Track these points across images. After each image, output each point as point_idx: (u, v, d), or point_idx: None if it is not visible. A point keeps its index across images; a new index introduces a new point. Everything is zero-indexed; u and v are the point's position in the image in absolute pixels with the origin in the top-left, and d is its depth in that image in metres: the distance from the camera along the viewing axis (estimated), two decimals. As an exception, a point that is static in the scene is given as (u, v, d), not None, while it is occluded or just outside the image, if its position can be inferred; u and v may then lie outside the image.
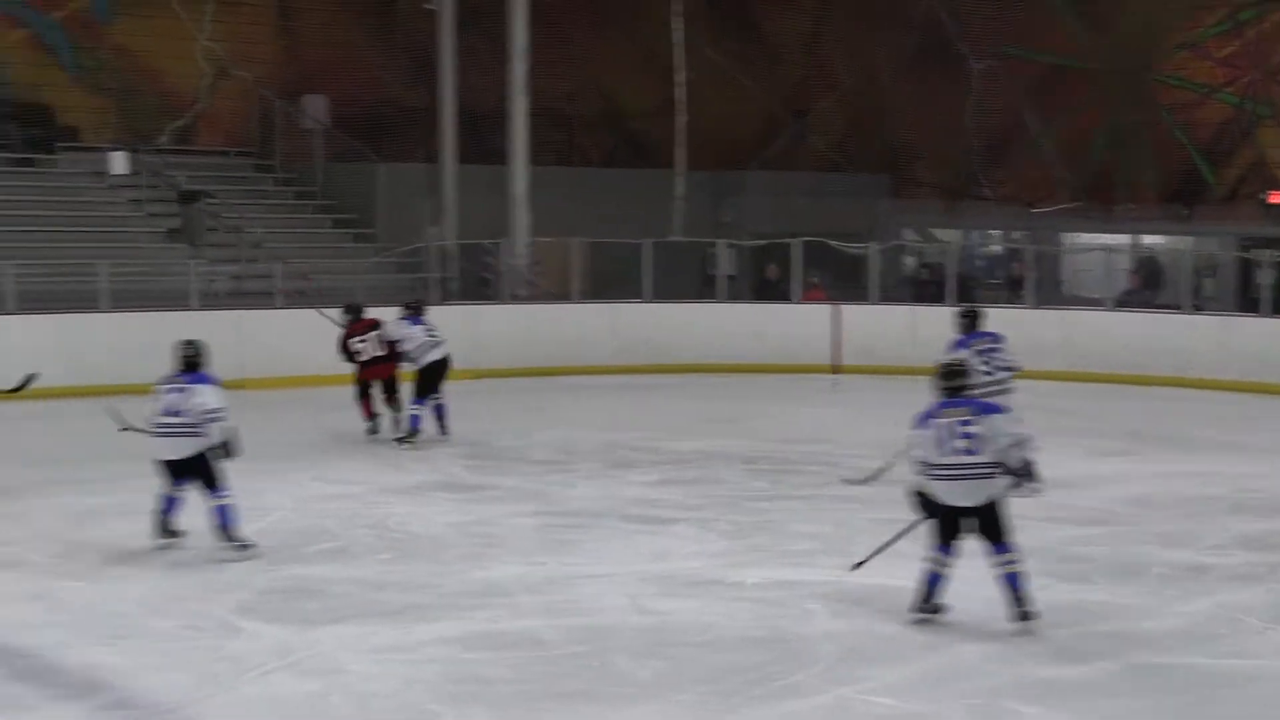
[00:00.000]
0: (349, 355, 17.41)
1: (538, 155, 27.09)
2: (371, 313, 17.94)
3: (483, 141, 27.87)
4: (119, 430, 12.09)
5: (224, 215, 26.02)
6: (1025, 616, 9.09)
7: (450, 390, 17.23)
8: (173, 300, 21.66)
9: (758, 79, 31.67)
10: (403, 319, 17.60)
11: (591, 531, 12.02)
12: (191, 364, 11.95)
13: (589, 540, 11.71)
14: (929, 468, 9.22)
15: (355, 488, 13.96)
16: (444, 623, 9.30)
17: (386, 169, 27.46)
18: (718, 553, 11.38)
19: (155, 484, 14.10)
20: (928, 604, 9.23)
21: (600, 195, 28.58)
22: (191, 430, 11.40)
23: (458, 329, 20.04)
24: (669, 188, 28.56)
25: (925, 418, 9.36)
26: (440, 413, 17.07)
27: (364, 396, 17.38)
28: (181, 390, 11.60)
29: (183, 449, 11.40)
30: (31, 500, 13.26)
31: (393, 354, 17.27)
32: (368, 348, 17.30)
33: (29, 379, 15.43)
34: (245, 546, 11.09)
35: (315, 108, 28.69)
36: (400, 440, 16.62)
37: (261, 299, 23.54)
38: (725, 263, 26.32)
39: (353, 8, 29.74)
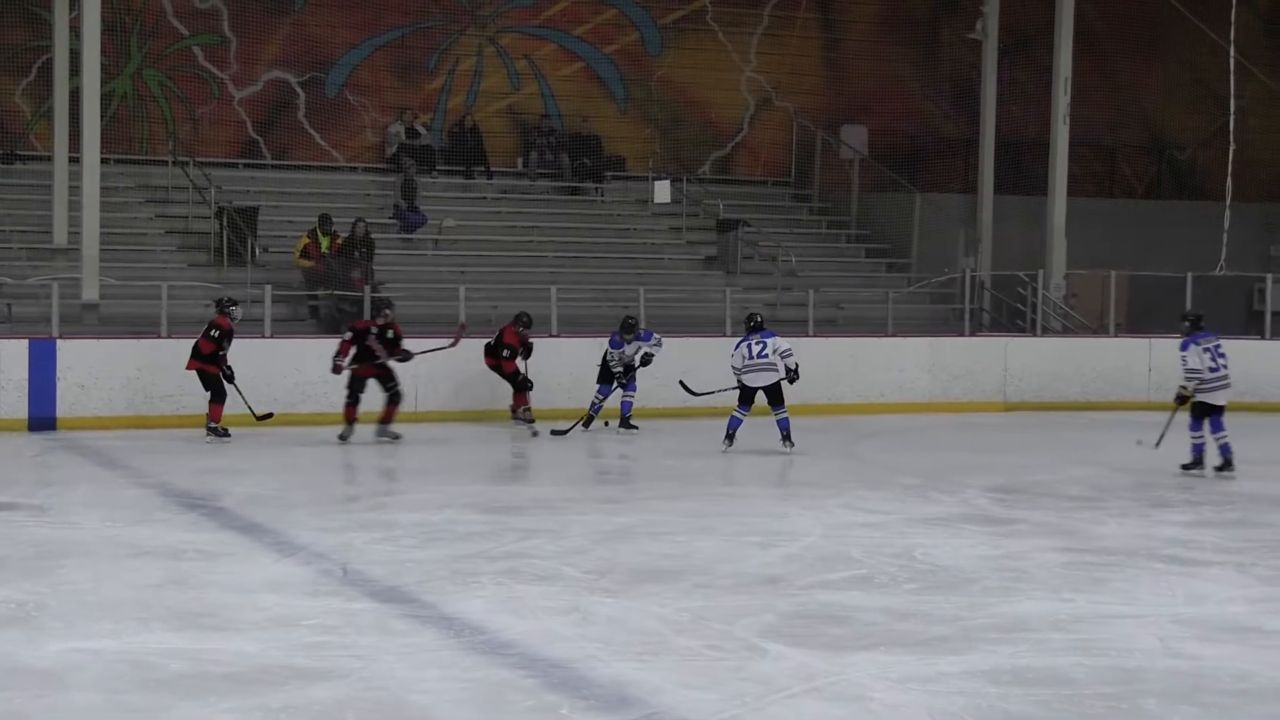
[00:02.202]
0: None
1: (1077, 185, 26.60)
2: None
3: (1021, 172, 27.53)
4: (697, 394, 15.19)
5: (760, 244, 26.41)
6: None
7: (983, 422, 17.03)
8: (709, 326, 22.06)
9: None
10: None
11: (1123, 570, 11.62)
12: (759, 325, 18.29)
13: (1119, 579, 11.32)
14: None
15: (882, 517, 13.89)
16: (970, 655, 9.12)
17: (923, 199, 27.37)
18: (1257, 598, 10.84)
19: (682, 506, 14.48)
20: None
21: (1141, 227, 27.86)
22: (771, 366, 17.83)
23: (990, 361, 19.85)
24: (1214, 219, 27.51)
25: None
26: None
27: None
28: (763, 341, 17.83)
29: (767, 379, 17.76)
30: (568, 516, 13.65)
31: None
32: None
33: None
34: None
35: (854, 137, 28.87)
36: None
37: (795, 326, 23.77)
38: (1273, 298, 25.24)
39: (899, 38, 29.78)
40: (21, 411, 19.13)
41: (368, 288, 21.74)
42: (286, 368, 20.36)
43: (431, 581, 10.93)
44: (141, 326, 20.56)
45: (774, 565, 11.66)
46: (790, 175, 29.27)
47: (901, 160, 28.64)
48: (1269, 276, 25.81)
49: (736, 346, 18.21)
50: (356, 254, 22.70)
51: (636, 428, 19.95)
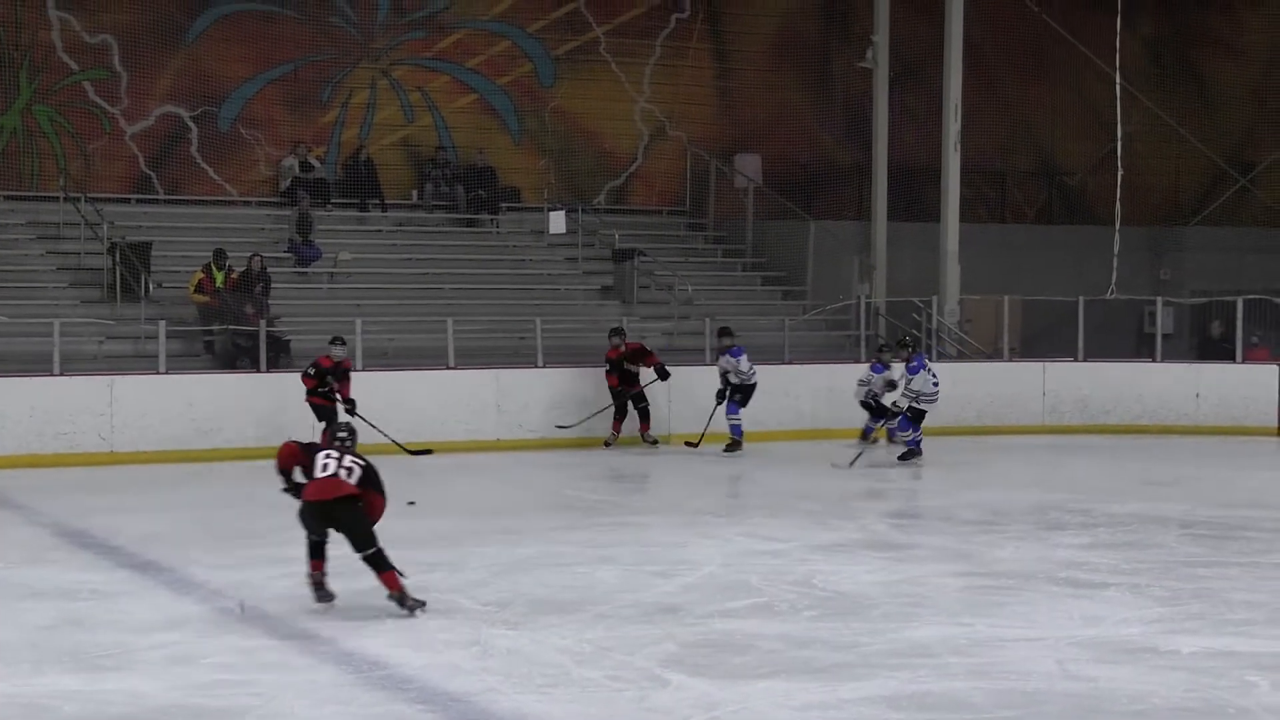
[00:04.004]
0: None
1: (969, 211, 26.85)
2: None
3: (914, 198, 27.76)
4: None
5: (656, 273, 26.48)
6: None
7: (880, 449, 17.15)
8: (603, 356, 22.05)
9: (1199, 131, 30.72)
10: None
11: (1020, 594, 11.74)
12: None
13: (1017, 603, 11.43)
14: None
15: (782, 544, 13.95)
16: (870, 681, 9.18)
17: (817, 226, 27.54)
18: (1153, 619, 10.98)
19: (582, 537, 14.48)
20: None
21: (1033, 251, 28.19)
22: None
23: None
24: (1104, 243, 27.81)
25: None
26: None
27: None
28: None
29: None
30: (467, 548, 13.62)
31: None
32: None
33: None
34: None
35: (748, 166, 29.01)
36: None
37: (693, 355, 23.85)
38: (1163, 320, 25.60)
39: (789, 66, 29.96)
40: (-90, 451, 18.88)
41: (263, 322, 21.62)
42: (180, 403, 20.19)
43: (329, 617, 10.88)
44: (34, 364, 20.32)
45: (674, 594, 11.69)
46: (685, 204, 29.35)
47: (796, 188, 28.79)
48: (1159, 299, 26.16)
49: (916, 373, 19.67)
50: (253, 289, 22.55)
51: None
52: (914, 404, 19.64)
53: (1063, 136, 31.26)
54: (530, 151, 28.53)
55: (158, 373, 20.55)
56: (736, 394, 20.93)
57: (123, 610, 11.09)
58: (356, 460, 11.12)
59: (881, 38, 26.51)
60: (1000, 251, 27.73)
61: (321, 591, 11.14)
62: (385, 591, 10.84)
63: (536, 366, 22.13)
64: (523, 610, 11.12)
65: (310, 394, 19.49)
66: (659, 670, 9.43)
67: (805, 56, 30.11)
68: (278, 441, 19.02)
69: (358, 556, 10.85)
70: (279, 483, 11.32)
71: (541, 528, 14.97)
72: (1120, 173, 27.91)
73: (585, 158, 28.94)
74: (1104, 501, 16.54)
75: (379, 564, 10.87)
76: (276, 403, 20.19)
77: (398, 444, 19.55)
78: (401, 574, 10.83)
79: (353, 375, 19.77)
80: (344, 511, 10.93)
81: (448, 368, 21.75)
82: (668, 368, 21.49)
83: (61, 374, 20.06)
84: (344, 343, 19.87)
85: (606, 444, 21.41)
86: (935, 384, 19.83)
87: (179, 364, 21.34)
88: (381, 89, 27.67)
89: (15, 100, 25.08)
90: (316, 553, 11.17)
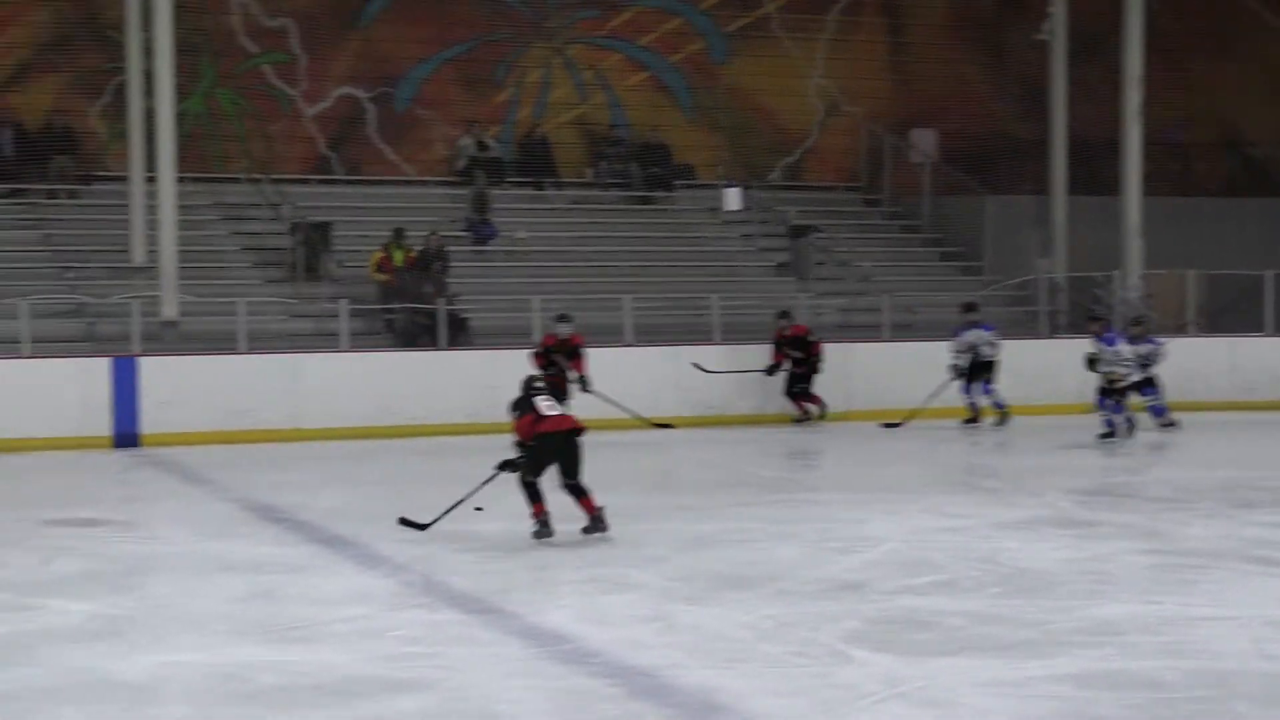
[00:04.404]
0: None
1: (1151, 185, 26.37)
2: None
3: (1094, 172, 27.34)
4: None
5: (832, 249, 26.37)
6: None
7: (1052, 424, 16.96)
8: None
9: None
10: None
11: (1210, 572, 11.52)
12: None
13: (1207, 581, 11.22)
14: None
15: (965, 521, 13.82)
16: (1057, 659, 9.06)
17: (994, 201, 27.23)
18: (1352, 599, 10.75)
19: (763, 513, 14.47)
20: None
21: (1217, 225, 27.67)
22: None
23: (1068, 363, 19.73)
24: (1292, 217, 27.36)
25: None
26: None
27: None
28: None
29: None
30: (648, 525, 13.65)
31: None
32: None
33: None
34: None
35: (924, 141, 28.78)
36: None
37: (868, 331, 23.74)
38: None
39: (966, 41, 29.66)
40: (105, 428, 19.32)
41: (442, 300, 21.84)
42: (362, 381, 20.47)
43: (514, 591, 10.97)
44: (220, 343, 20.72)
45: (856, 571, 11.63)
46: (861, 180, 29.21)
47: (972, 163, 28.50)
48: (1349, 273, 25.60)
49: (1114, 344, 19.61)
50: (431, 267, 22.79)
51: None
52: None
53: (1247, 108, 30.64)
54: (703, 128, 28.53)
55: (340, 350, 20.86)
56: (984, 371, 21.18)
57: (311, 584, 11.25)
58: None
59: (1059, 10, 26.12)
60: (1183, 225, 27.24)
61: (548, 529, 12.62)
62: (584, 523, 12.68)
63: (713, 343, 22.13)
64: (705, 586, 11.13)
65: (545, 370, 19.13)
66: (842, 646, 9.38)
67: (980, 29, 29.81)
68: (459, 418, 19.52)
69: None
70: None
71: (722, 504, 14.97)
72: (1308, 143, 27.37)
73: (759, 134, 28.89)
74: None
75: (582, 491, 12.74)
76: (456, 380, 20.39)
77: (640, 417, 19.64)
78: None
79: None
80: (573, 442, 12.76)
81: (625, 345, 21.82)
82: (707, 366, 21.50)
83: (248, 352, 20.42)
84: (570, 319, 19.88)
85: (795, 421, 21.52)
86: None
87: (360, 342, 21.64)
88: (555, 68, 27.84)
89: (199, 85, 25.53)
90: (538, 495, 12.72)
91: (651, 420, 20.01)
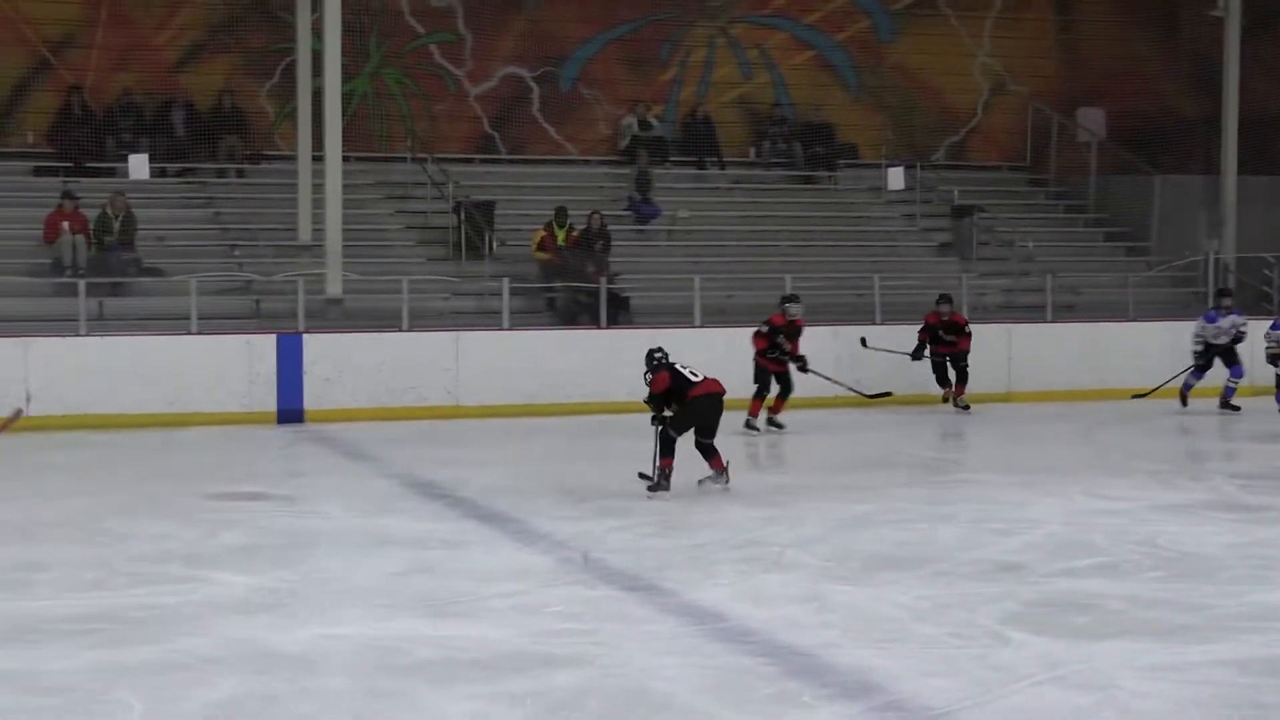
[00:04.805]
0: None
1: (1326, 163, 25.84)
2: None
3: (1266, 151, 26.81)
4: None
5: (996, 229, 26.11)
6: None
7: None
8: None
9: None
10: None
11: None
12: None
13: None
14: None
15: (1125, 504, 13.66)
16: (1219, 645, 8.93)
17: (1163, 181, 26.80)
18: None
19: (920, 494, 14.40)
20: None
21: (1394, 204, 26.99)
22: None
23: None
24: None
25: None
26: None
27: None
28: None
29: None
30: (805, 504, 13.64)
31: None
32: None
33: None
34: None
35: (1091, 120, 28.39)
36: None
37: (1033, 312, 23.50)
38: None
39: (1136, 18, 29.21)
40: (270, 404, 19.63)
41: (603, 279, 21.93)
42: (525, 359, 20.62)
43: (670, 569, 11.02)
44: (383, 320, 20.96)
45: (1015, 552, 11.55)
46: (1026, 159, 28.86)
47: (1140, 142, 28.02)
48: None
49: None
50: (593, 246, 22.89)
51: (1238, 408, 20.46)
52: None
53: None
54: (868, 107, 28.35)
55: (502, 329, 21.03)
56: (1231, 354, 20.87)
57: (470, 559, 11.38)
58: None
59: (1234, -15, 25.63)
60: (1358, 205, 26.66)
61: (668, 484, 13.83)
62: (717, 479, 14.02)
63: (876, 323, 22.01)
64: (860, 566, 11.11)
65: (760, 355, 18.95)
66: (1000, 628, 9.32)
67: (1151, 6, 29.31)
68: (620, 397, 19.58)
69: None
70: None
71: (879, 484, 14.92)
72: None
73: (924, 113, 28.65)
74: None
75: (713, 450, 14.08)
76: (617, 358, 20.46)
77: (857, 392, 19.81)
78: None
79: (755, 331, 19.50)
80: (719, 405, 14.10)
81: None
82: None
83: (410, 330, 20.65)
84: (799, 300, 19.52)
85: (945, 400, 21.09)
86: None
87: (522, 320, 21.77)
88: (719, 47, 27.79)
89: (365, 64, 25.83)
90: (671, 450, 13.92)
91: (869, 394, 19.92)
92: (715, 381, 14.11)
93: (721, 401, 14.10)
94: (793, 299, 19.38)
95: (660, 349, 14.31)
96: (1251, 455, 17.14)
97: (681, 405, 13.90)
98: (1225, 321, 20.53)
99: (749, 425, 18.50)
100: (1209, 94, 27.02)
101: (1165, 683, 8.23)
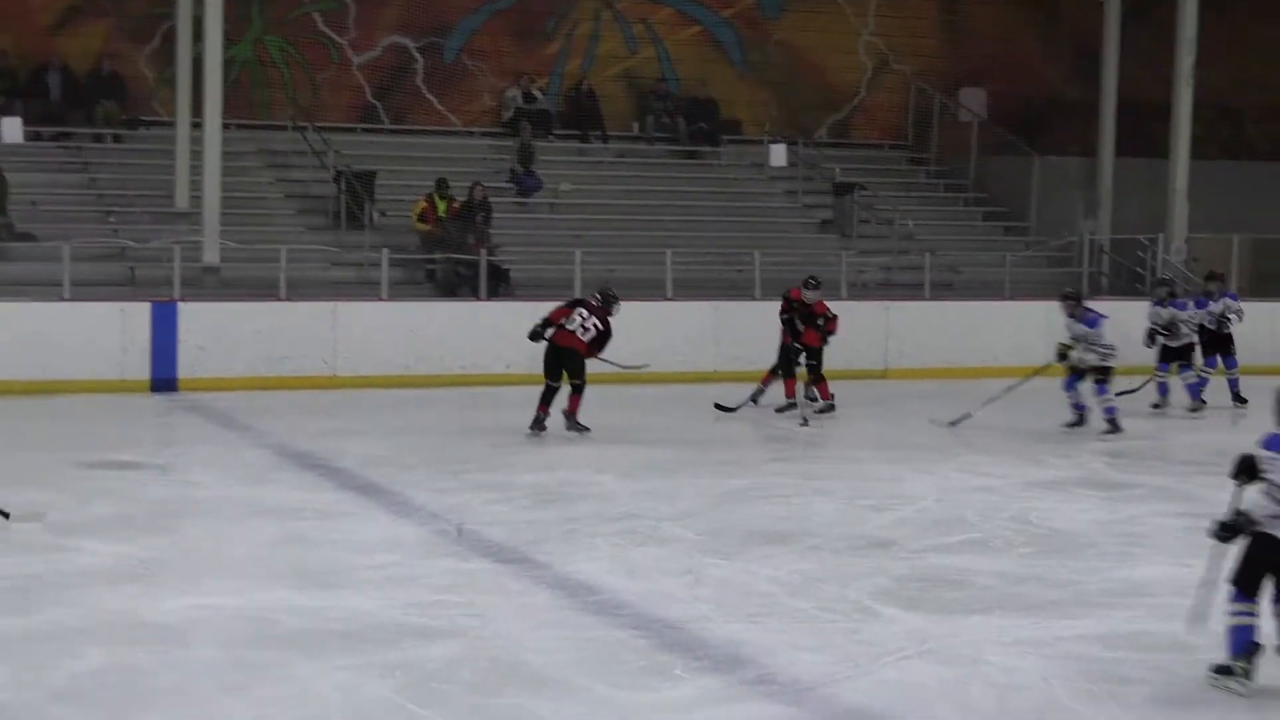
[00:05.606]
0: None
1: (1201, 148, 26.21)
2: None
3: (1143, 135, 27.15)
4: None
5: (876, 207, 26.27)
6: None
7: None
8: (825, 290, 21.95)
9: None
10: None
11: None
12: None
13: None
14: None
15: (997, 481, 13.82)
16: (1085, 620, 9.07)
17: (1042, 162, 27.07)
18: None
19: (797, 469, 14.48)
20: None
21: (1267, 190, 27.41)
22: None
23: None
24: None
25: None
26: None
27: None
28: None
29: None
30: (682, 479, 13.68)
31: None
32: None
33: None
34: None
35: (973, 100, 28.63)
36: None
37: (911, 290, 23.68)
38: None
39: (1019, 1, 29.45)
40: (144, 373, 19.40)
41: (484, 251, 21.86)
42: (402, 330, 20.52)
43: (546, 542, 11.02)
44: (261, 290, 20.77)
45: (888, 528, 11.66)
46: (907, 138, 29.06)
47: (1021, 123, 28.30)
48: (1397, 240, 25.40)
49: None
50: (474, 218, 22.80)
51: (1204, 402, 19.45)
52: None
53: (1301, 72, 30.33)
54: (752, 84, 28.42)
55: (381, 299, 20.91)
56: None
57: (344, 530, 11.32)
58: (599, 323, 15.87)
59: (1113, -30, 25.93)
60: (1233, 190, 27.02)
61: (538, 426, 15.58)
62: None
63: (754, 299, 22.09)
64: (736, 540, 11.16)
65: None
66: (871, 603, 9.41)
67: (1033, -11, 29.60)
68: (497, 369, 19.54)
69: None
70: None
71: (755, 460, 15.01)
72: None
73: (807, 91, 28.74)
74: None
75: (578, 392, 15.75)
76: (495, 331, 20.42)
77: (621, 366, 17.78)
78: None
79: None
80: (569, 358, 15.76)
81: (666, 299, 21.81)
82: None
83: (288, 299, 20.49)
84: (818, 287, 18.44)
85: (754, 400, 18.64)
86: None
87: (401, 291, 21.66)
88: (605, 20, 27.75)
89: (247, 31, 25.54)
90: (546, 399, 15.72)
91: (625, 366, 18.30)
92: (569, 335, 15.77)
93: (559, 353, 15.79)
94: (814, 283, 18.37)
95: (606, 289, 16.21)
96: (1119, 435, 17.34)
97: None
98: (1218, 305, 19.97)
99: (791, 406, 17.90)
100: (1088, 77, 27.32)
101: (1032, 657, 8.34)
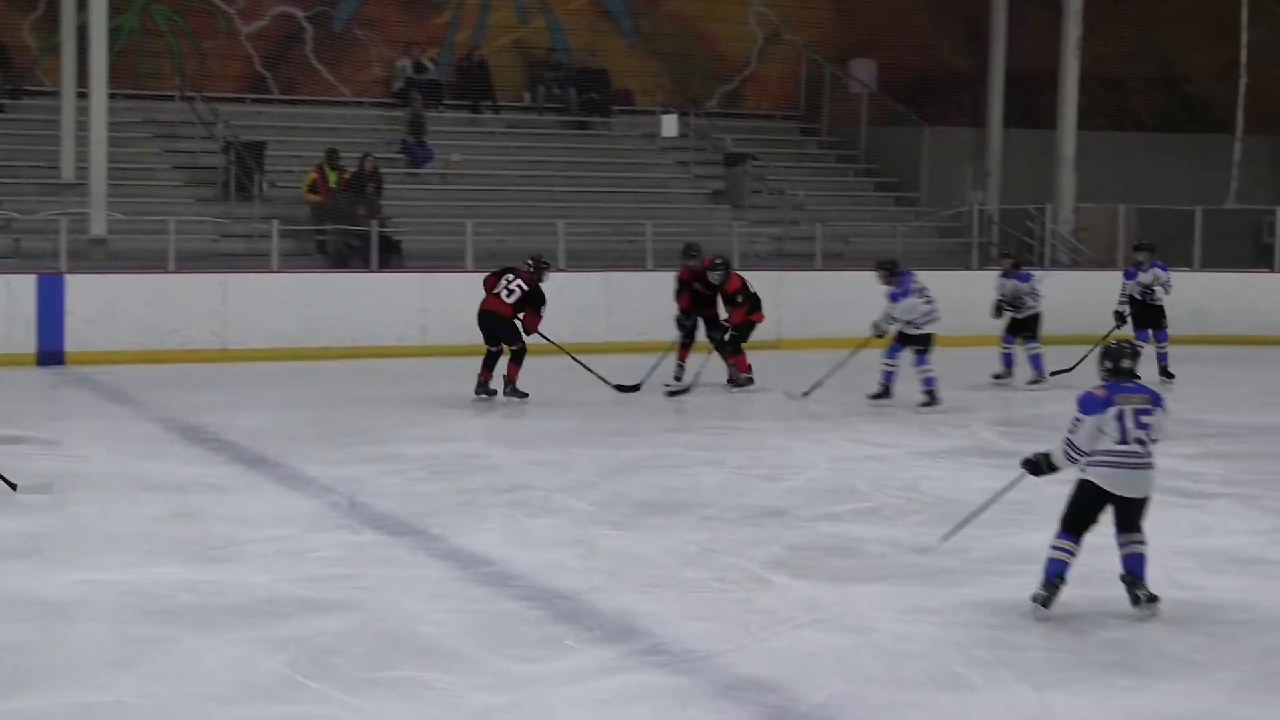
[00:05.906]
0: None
1: (1087, 119, 26.51)
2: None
3: (1031, 106, 27.41)
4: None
5: (768, 178, 26.36)
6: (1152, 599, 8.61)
7: (978, 356, 17.05)
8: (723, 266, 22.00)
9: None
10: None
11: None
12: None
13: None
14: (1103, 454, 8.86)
15: (888, 450, 13.92)
16: (975, 588, 9.16)
17: (932, 132, 27.25)
18: (1263, 530, 10.90)
19: (689, 440, 14.51)
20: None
21: (1151, 160, 27.76)
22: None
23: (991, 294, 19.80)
24: (1226, 153, 27.41)
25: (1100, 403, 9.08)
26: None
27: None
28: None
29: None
30: (575, 449, 13.69)
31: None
32: None
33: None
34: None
35: (863, 71, 28.76)
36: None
37: (802, 260, 23.79)
38: (1284, 231, 25.22)
39: (906, -30, 29.64)
40: (30, 345, 19.17)
41: (375, 222, 21.74)
42: (292, 302, 20.38)
43: (439, 514, 10.99)
44: (149, 261, 20.56)
45: (780, 498, 11.71)
46: (799, 109, 29.16)
47: (910, 94, 28.49)
48: (1278, 210, 25.72)
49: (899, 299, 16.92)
50: (365, 189, 22.66)
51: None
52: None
53: (1186, 44, 30.69)
54: (643, 54, 28.41)
55: (270, 271, 20.75)
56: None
57: (234, 504, 11.24)
58: (523, 285, 16.17)
59: (1001, -58, 26.12)
60: (1118, 160, 27.36)
61: (482, 390, 16.17)
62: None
63: (646, 270, 22.11)
64: (628, 511, 11.18)
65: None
66: (763, 572, 9.45)
67: (923, -40, 29.77)
68: (389, 341, 19.46)
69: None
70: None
71: (649, 430, 15.03)
72: (1244, 81, 27.45)
73: (698, 61, 28.79)
74: (1215, 412, 16.38)
75: (516, 359, 16.26)
76: (387, 302, 20.33)
77: (607, 383, 17.70)
78: None
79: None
80: (497, 323, 16.16)
81: (558, 269, 21.75)
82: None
83: (176, 271, 20.29)
84: (718, 267, 17.82)
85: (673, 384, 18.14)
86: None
87: (291, 263, 21.51)
88: (496, -10, 27.63)
89: (133, 0, 25.22)
90: (487, 364, 16.24)
91: (615, 385, 18.36)
92: (494, 300, 16.18)
93: (486, 317, 16.21)
94: (715, 266, 17.81)
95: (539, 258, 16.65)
96: (1011, 403, 17.54)
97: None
98: (1147, 276, 19.77)
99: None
100: (977, 49, 27.53)
101: (923, 625, 8.41)
